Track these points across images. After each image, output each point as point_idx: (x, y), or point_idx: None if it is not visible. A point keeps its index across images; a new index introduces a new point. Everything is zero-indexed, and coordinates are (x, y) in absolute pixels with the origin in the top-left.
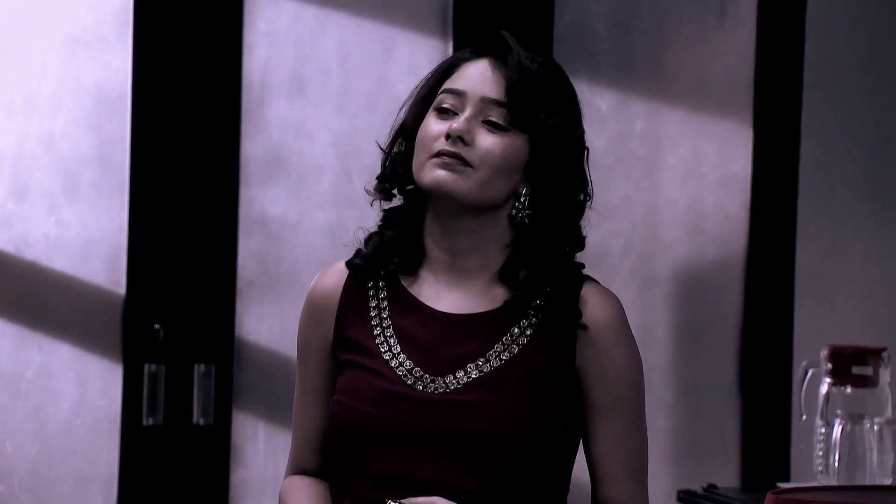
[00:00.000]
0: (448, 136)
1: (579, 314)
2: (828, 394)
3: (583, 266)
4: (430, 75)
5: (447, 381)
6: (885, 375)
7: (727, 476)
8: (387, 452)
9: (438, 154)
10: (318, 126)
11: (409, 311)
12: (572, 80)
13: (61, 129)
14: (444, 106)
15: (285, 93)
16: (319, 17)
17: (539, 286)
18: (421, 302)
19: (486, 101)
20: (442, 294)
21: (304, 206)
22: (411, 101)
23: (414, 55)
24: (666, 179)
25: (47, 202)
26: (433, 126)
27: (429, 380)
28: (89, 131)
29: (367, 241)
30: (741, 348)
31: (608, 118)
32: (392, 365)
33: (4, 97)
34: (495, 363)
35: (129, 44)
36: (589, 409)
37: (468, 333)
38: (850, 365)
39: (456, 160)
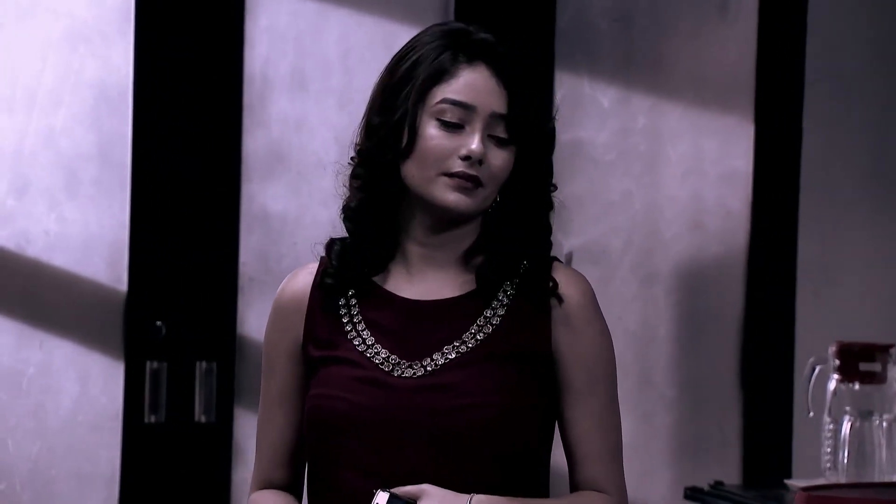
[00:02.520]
0: (467, 158)
1: (551, 293)
2: (835, 390)
3: (550, 247)
4: (413, 70)
5: (424, 364)
6: (893, 372)
7: (729, 472)
8: (368, 439)
9: (455, 175)
10: (320, 122)
11: (380, 302)
12: (574, 76)
13: (62, 125)
14: (450, 119)
15: (286, 88)
16: (320, 13)
17: (504, 265)
18: (391, 293)
19: (493, 116)
20: (413, 282)
21: (306, 201)
22: (391, 94)
23: None
24: (667, 175)
25: (48, 199)
26: (440, 140)
27: (406, 365)
28: (90, 127)
29: (328, 248)
30: (742, 344)
31: (609, 114)
32: (367, 355)
33: (5, 93)
34: (471, 344)
35: (131, 39)
36: (565, 390)
37: (441, 318)
38: (858, 361)
39: (471, 183)
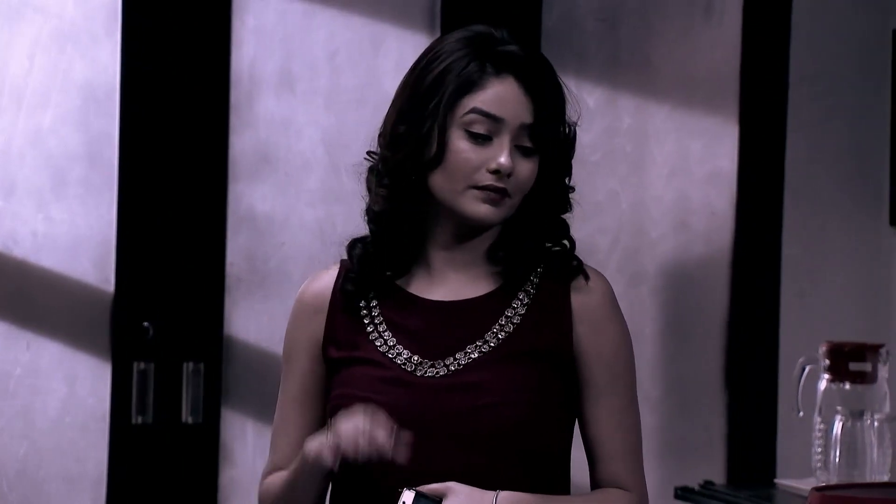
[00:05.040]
0: (496, 172)
1: (572, 292)
2: (826, 390)
3: (573, 248)
4: (441, 79)
5: (447, 364)
6: (883, 371)
7: (713, 472)
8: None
9: (484, 188)
10: (307, 122)
11: (402, 304)
12: (560, 76)
13: (49, 125)
14: (478, 130)
15: (274, 88)
16: (307, 13)
17: (523, 263)
18: (413, 294)
19: (522, 128)
20: (435, 284)
21: (293, 202)
22: (418, 103)
23: (402, 51)
24: (653, 175)
25: (35, 199)
26: (469, 153)
27: (428, 365)
28: (78, 127)
29: (350, 249)
30: (727, 344)
31: (595, 114)
32: (389, 355)
33: None
34: (493, 343)
35: (118, 39)
36: (585, 388)
37: (463, 318)
38: (848, 361)
39: (500, 195)
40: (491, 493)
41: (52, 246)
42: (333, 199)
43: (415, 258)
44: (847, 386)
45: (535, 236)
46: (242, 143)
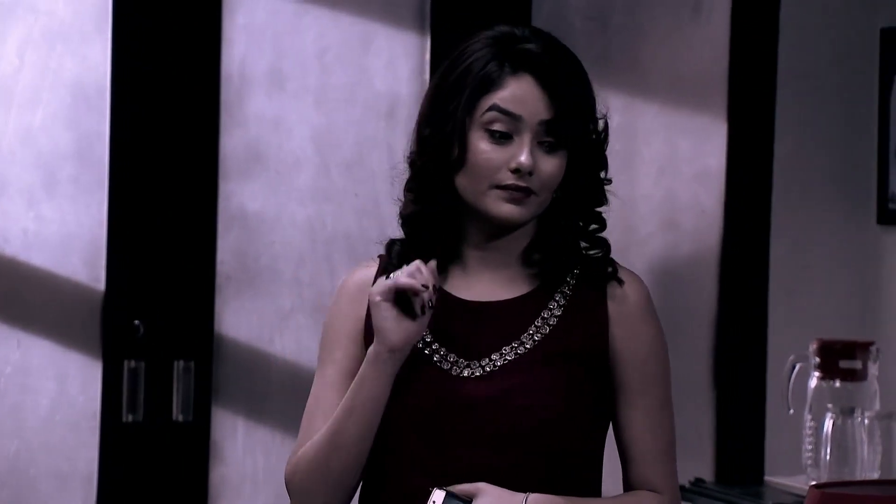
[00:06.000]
0: (517, 171)
1: (608, 294)
2: (817, 388)
3: (609, 250)
4: (462, 80)
5: (482, 365)
6: (873, 369)
7: (703, 469)
8: (426, 436)
9: (506, 187)
10: (297, 120)
11: (439, 303)
12: None
13: (40, 124)
14: (498, 129)
15: (264, 87)
16: (298, 11)
17: (560, 263)
18: (449, 293)
19: (541, 125)
20: (471, 284)
21: (283, 200)
22: (441, 104)
23: (392, 49)
24: (641, 174)
25: (26, 197)
26: (490, 153)
27: (464, 364)
28: (68, 126)
29: (388, 247)
30: (715, 342)
31: None
32: (426, 353)
33: None
34: (528, 345)
35: (108, 37)
36: (620, 390)
37: (499, 319)
38: (838, 359)
39: (522, 193)
40: (521, 495)
41: (43, 244)
42: (323, 197)
43: (451, 257)
44: (837, 383)
45: (570, 232)
46: (233, 141)
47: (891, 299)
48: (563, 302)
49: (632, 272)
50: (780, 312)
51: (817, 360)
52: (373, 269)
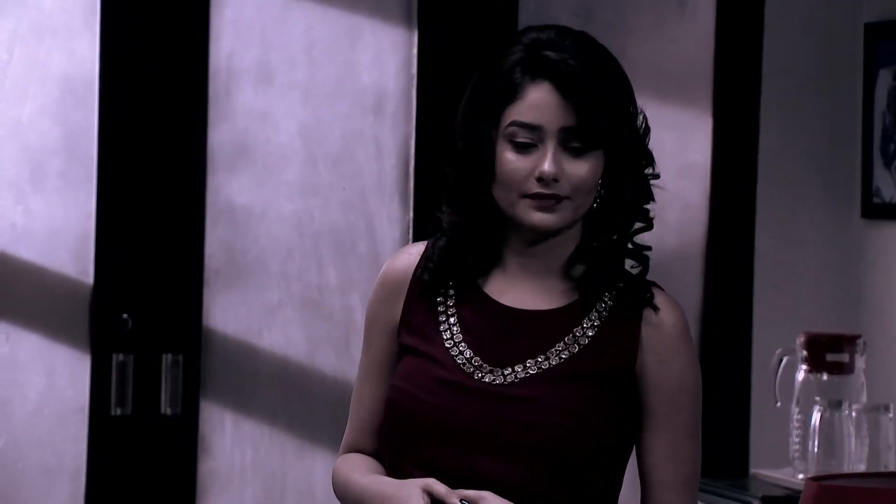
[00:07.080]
0: (540, 179)
1: (643, 318)
2: (804, 381)
3: (647, 272)
4: (488, 90)
5: (505, 374)
6: (860, 362)
7: None
8: (440, 441)
9: (534, 196)
10: (284, 115)
11: (475, 302)
12: None
13: (28, 118)
14: (520, 140)
15: (251, 81)
16: (285, 6)
17: (600, 280)
18: (487, 295)
19: (563, 131)
20: (510, 289)
21: (270, 194)
22: (471, 117)
23: (379, 44)
24: None
25: (14, 191)
26: (516, 163)
27: (487, 370)
28: (56, 120)
29: (435, 241)
30: (701, 335)
31: None
32: (452, 353)
33: None
34: (555, 360)
35: (96, 32)
36: (645, 415)
37: (531, 329)
38: (825, 352)
39: (552, 200)
40: None
41: (31, 238)
42: (311, 191)
43: (493, 261)
44: (825, 377)
45: (612, 237)
46: (220, 135)
47: (875, 292)
48: (597, 322)
49: (670, 298)
50: (765, 306)
51: (804, 353)
52: (415, 257)
